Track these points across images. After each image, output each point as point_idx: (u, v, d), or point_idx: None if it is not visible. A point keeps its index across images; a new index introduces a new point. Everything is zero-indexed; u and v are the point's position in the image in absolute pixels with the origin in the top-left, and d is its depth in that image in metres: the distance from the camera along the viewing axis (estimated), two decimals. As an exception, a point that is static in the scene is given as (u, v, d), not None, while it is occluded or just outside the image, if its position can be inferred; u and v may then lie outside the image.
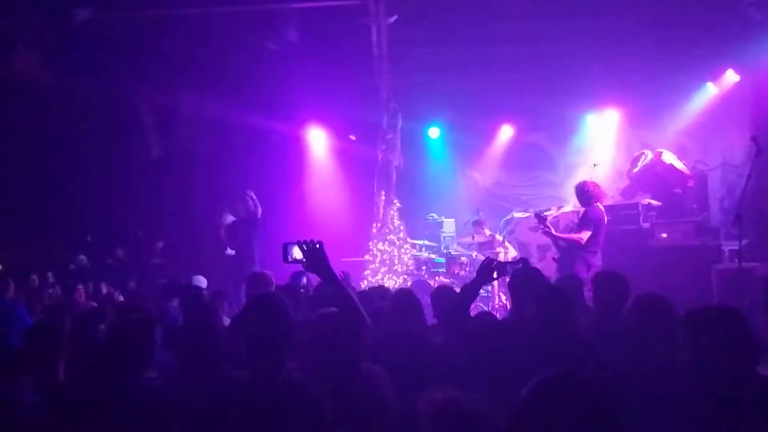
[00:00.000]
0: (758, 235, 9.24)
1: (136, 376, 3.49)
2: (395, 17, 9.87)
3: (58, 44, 9.87)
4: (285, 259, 3.54)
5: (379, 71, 10.99)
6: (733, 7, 9.73)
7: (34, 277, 9.34)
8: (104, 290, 9.37)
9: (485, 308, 9.28)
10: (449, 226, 12.31)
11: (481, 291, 5.05)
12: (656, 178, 10.55)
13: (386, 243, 11.18)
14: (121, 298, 8.54)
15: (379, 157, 11.55)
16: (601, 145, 12.96)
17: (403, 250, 11.18)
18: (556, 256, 8.33)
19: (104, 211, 12.85)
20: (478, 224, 10.97)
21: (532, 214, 9.18)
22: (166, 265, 12.43)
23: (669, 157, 10.53)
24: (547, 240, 9.06)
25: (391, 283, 10.58)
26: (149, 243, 13.03)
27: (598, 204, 8.07)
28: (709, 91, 11.88)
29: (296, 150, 13.91)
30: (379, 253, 11.14)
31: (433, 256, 11.22)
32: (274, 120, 12.88)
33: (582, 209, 8.29)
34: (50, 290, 9.11)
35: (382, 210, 11.39)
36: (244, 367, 3.12)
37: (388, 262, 11.05)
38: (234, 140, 13.30)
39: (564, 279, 6.09)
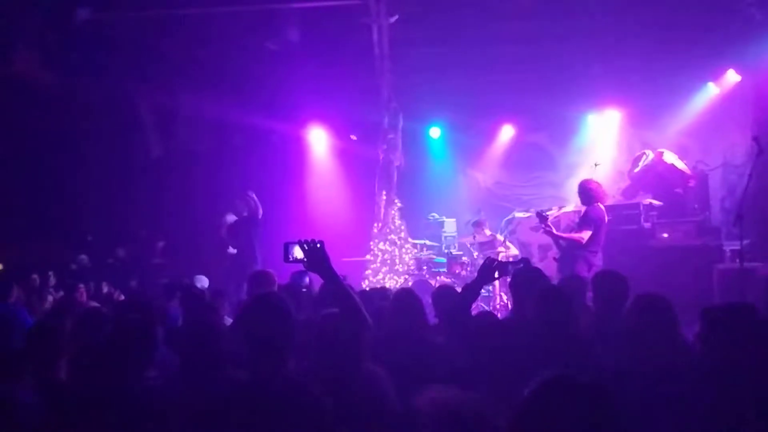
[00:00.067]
0: (759, 235, 9.23)
1: (137, 376, 3.49)
2: (396, 17, 9.86)
3: (58, 44, 9.87)
4: (286, 258, 3.53)
5: (380, 71, 10.98)
6: (733, 7, 9.72)
7: (35, 276, 9.33)
8: (105, 290, 9.37)
9: (486, 308, 9.28)
10: (450, 225, 12.32)
11: (483, 291, 5.05)
12: (657, 178, 10.55)
13: (387, 243, 11.17)
14: (122, 297, 8.53)
15: (380, 157, 11.55)
16: (602, 145, 12.96)
17: (404, 250, 11.17)
18: (557, 256, 8.32)
19: (104, 211, 12.85)
20: (478, 224, 10.97)
21: (533, 214, 9.17)
22: (167, 265, 12.43)
23: (670, 157, 10.53)
24: (548, 240, 9.05)
25: (392, 283, 10.57)
26: (150, 243, 13.03)
27: (599, 204, 8.05)
28: (710, 91, 11.87)
29: (297, 150, 13.91)
30: (380, 253, 11.14)
31: (434, 256, 11.21)
32: (274, 120, 12.88)
33: (583, 209, 8.28)
34: (51, 290, 9.10)
35: (383, 210, 11.38)
36: (245, 367, 3.12)
37: (389, 262, 11.04)
38: (234, 140, 13.29)
39: (566, 279, 6.08)
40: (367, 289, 8.43)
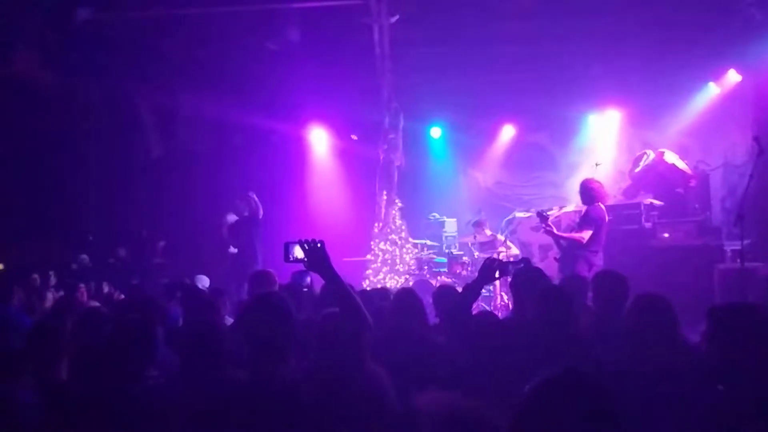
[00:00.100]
0: (760, 236, 9.24)
1: (138, 376, 3.48)
2: (397, 17, 9.86)
3: (58, 44, 9.86)
4: (286, 258, 3.53)
5: (381, 71, 10.98)
6: (733, 7, 9.71)
7: (36, 276, 9.33)
8: (106, 289, 9.36)
9: (487, 308, 9.28)
10: (451, 225, 12.32)
11: (483, 291, 5.04)
12: (658, 177, 10.55)
13: (388, 243, 11.16)
14: (122, 297, 8.51)
15: (381, 157, 11.53)
16: (602, 145, 12.96)
17: (404, 250, 11.17)
18: (558, 256, 8.32)
19: (105, 211, 12.84)
20: (478, 224, 10.98)
21: (534, 214, 9.16)
22: (168, 265, 12.43)
23: (671, 157, 10.53)
24: (548, 240, 9.05)
25: (393, 282, 10.57)
26: (151, 242, 13.03)
27: (600, 203, 8.05)
28: (711, 91, 11.86)
29: (298, 150, 13.91)
30: (380, 253, 11.13)
31: (434, 255, 11.21)
32: (275, 120, 12.87)
33: (584, 208, 8.28)
34: (52, 288, 9.09)
35: (383, 210, 11.37)
36: (246, 366, 3.12)
37: (390, 262, 11.04)
38: (235, 140, 13.29)
39: (567, 279, 6.08)
40: (368, 289, 8.43)
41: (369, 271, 11.10)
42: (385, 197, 11.40)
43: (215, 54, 11.21)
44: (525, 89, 11.97)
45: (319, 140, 14.11)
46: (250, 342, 2.99)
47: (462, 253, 10.98)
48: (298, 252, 3.38)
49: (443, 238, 11.96)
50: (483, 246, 10.82)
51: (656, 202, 10.03)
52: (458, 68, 11.58)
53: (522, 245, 12.09)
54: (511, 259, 9.10)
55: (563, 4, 9.72)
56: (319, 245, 3.31)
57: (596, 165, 9.76)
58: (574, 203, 10.68)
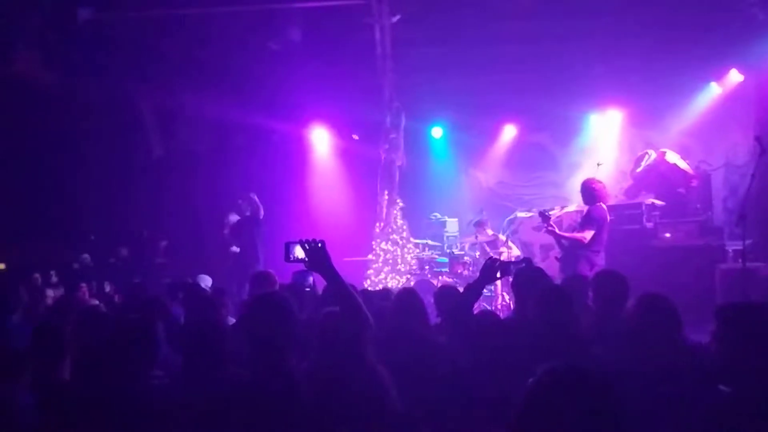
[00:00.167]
0: (762, 235, 9.23)
1: (140, 375, 3.47)
2: (398, 17, 9.87)
3: (58, 44, 9.86)
4: (287, 258, 3.53)
5: (382, 71, 10.97)
6: (735, 6, 9.70)
7: (37, 276, 9.34)
8: (107, 289, 9.38)
9: (488, 308, 9.27)
10: (452, 225, 12.33)
11: (485, 290, 5.04)
12: (660, 177, 10.54)
13: (389, 242, 11.16)
14: (123, 297, 8.51)
15: (382, 157, 11.52)
16: (604, 144, 12.95)
17: (406, 250, 11.16)
18: (559, 256, 8.31)
19: (106, 211, 12.83)
20: (479, 224, 10.98)
21: (536, 214, 9.16)
22: (170, 265, 12.43)
23: (672, 157, 10.52)
24: (550, 240, 9.04)
25: (394, 282, 10.57)
26: (153, 242, 13.03)
27: (601, 203, 8.04)
28: (713, 91, 11.85)
29: (299, 149, 13.91)
30: (382, 253, 11.12)
31: (436, 255, 11.21)
32: (276, 120, 12.87)
33: (585, 208, 8.27)
34: (52, 287, 9.09)
35: (385, 209, 11.37)
36: (247, 366, 3.11)
37: (391, 262, 11.03)
38: (236, 140, 13.29)
39: (569, 279, 6.07)
40: (369, 289, 8.42)
41: (370, 271, 11.10)
42: (386, 197, 11.39)
43: (216, 54, 11.20)
44: (526, 89, 11.95)
45: (321, 140, 14.11)
46: (252, 341, 2.99)
47: (463, 252, 10.99)
48: (299, 252, 3.38)
49: (444, 238, 11.97)
50: (484, 246, 10.82)
51: (658, 202, 10.02)
52: (459, 68, 11.57)
53: (523, 245, 12.09)
54: (513, 259, 9.10)
55: (564, 4, 9.72)
56: (319, 245, 3.31)
57: (598, 165, 9.76)
58: (575, 203, 10.66)
